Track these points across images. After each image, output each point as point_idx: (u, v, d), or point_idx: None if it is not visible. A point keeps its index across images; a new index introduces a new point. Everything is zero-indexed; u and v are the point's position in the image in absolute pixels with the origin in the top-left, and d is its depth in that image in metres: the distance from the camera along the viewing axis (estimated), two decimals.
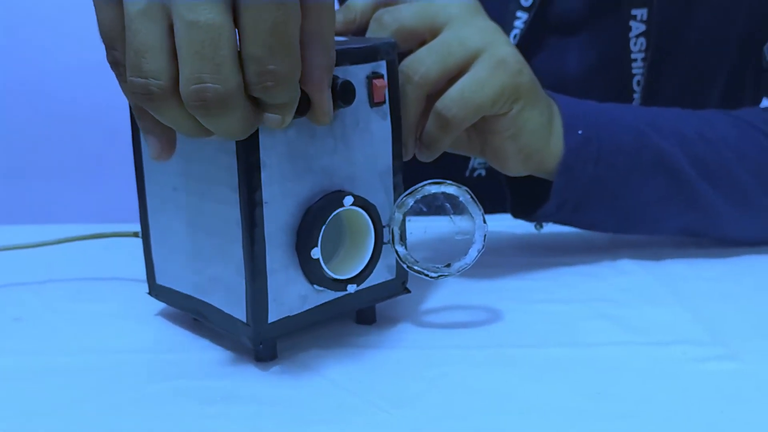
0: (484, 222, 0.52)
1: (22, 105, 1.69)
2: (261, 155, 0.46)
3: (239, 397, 0.47)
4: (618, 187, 0.63)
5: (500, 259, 0.68)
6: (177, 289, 0.54)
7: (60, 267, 0.66)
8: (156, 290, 0.56)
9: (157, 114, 0.42)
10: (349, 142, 0.50)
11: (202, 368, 0.50)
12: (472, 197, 0.52)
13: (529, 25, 0.76)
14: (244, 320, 0.49)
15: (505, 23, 0.77)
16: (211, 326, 0.53)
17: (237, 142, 0.46)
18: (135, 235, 0.61)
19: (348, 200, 0.49)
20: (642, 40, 0.75)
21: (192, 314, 0.54)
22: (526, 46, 0.77)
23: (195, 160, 0.49)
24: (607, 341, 0.53)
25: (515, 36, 0.77)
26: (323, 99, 0.44)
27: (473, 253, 0.53)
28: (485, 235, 0.52)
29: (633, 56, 0.76)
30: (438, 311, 0.58)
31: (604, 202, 0.63)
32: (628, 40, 0.76)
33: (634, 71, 0.76)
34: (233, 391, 0.47)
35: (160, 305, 0.57)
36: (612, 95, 0.77)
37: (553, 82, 0.78)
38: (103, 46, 0.44)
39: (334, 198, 0.49)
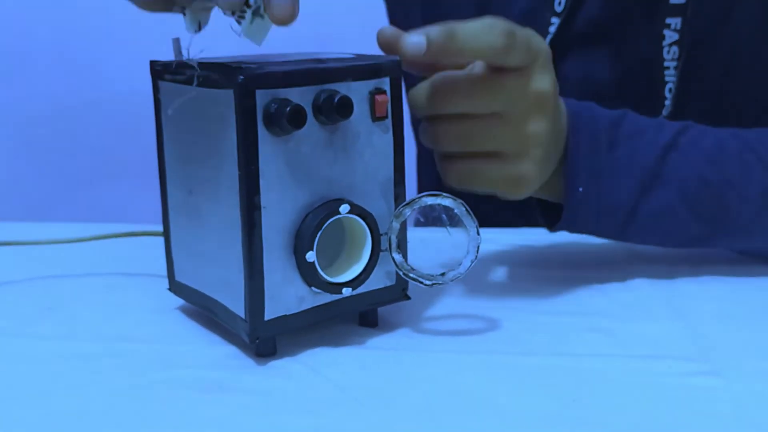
0: (478, 234, 0.55)
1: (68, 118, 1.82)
2: (260, 164, 0.50)
3: (233, 388, 0.50)
4: (617, 236, 0.67)
5: (512, 271, 0.70)
6: (191, 286, 0.58)
7: (94, 262, 0.71)
8: (175, 286, 0.60)
9: None
10: (349, 153, 0.53)
11: (205, 360, 0.54)
12: (466, 209, 0.54)
13: (561, 30, 0.78)
14: (243, 317, 0.52)
15: (540, 29, 0.79)
16: (219, 322, 0.56)
17: (239, 149, 0.50)
18: (163, 234, 0.65)
19: (344, 208, 0.53)
20: (675, 48, 0.76)
21: (203, 310, 0.58)
22: (558, 51, 0.79)
23: (205, 166, 0.53)
24: (594, 353, 0.55)
25: (549, 41, 0.79)
26: None
27: (467, 263, 0.55)
28: (478, 246, 0.55)
29: (666, 64, 0.77)
30: (439, 318, 0.61)
31: (609, 238, 0.68)
32: (661, 48, 0.77)
33: (666, 79, 0.77)
34: (228, 382, 0.51)
35: (180, 301, 0.61)
36: (644, 102, 0.78)
37: (584, 88, 0.80)
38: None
39: (332, 206, 0.52)
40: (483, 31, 0.56)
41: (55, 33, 1.77)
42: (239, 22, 0.48)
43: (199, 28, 0.51)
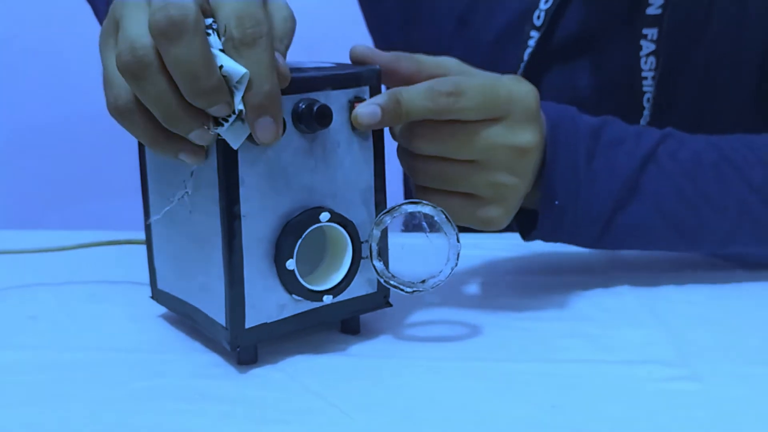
0: (458, 241, 0.55)
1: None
2: (240, 172, 0.50)
3: (215, 397, 0.50)
4: (592, 246, 0.67)
5: (493, 277, 0.70)
6: (174, 294, 0.58)
7: (77, 270, 0.71)
8: (157, 295, 0.60)
9: (143, 86, 0.46)
10: (329, 161, 0.54)
11: (188, 369, 0.54)
12: (446, 217, 0.55)
13: (541, 43, 0.79)
14: (224, 324, 0.52)
15: (520, 43, 0.80)
16: (201, 330, 0.56)
17: (219, 159, 0.50)
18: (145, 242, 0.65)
19: (324, 216, 0.53)
20: (652, 58, 0.77)
21: (185, 318, 0.58)
22: (539, 63, 0.80)
23: (186, 175, 0.53)
24: (575, 358, 0.56)
25: (529, 54, 0.79)
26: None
27: (447, 270, 0.55)
28: (458, 254, 0.55)
29: (644, 74, 0.78)
30: (421, 325, 0.61)
31: (584, 247, 0.68)
32: (638, 58, 0.77)
33: (644, 89, 0.78)
34: (211, 391, 0.51)
35: (162, 309, 0.62)
36: (623, 111, 0.79)
37: (564, 99, 0.81)
38: None
39: (312, 214, 0.53)
40: (422, 96, 0.55)
41: (45, 43, 1.77)
42: (221, 124, 0.47)
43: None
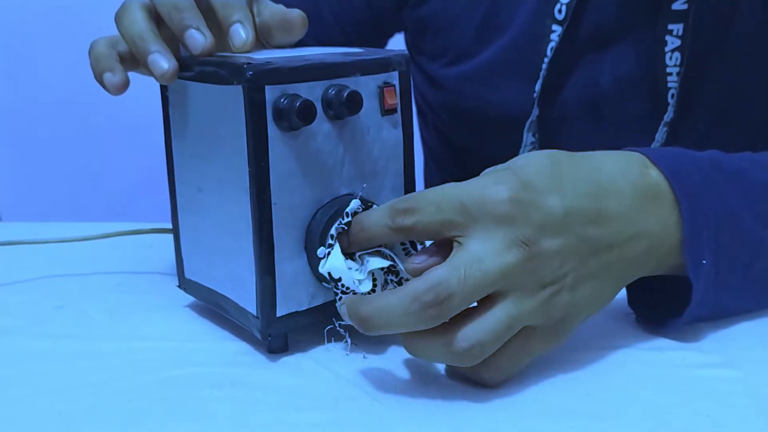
0: None
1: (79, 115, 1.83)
2: (270, 160, 0.50)
3: (246, 384, 0.50)
4: (730, 303, 0.58)
5: None
6: (202, 283, 0.58)
7: (103, 260, 0.71)
8: (185, 284, 0.60)
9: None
10: (359, 148, 0.53)
11: (218, 357, 0.54)
12: None
13: (563, 39, 0.78)
14: (255, 313, 0.52)
15: (542, 37, 0.79)
16: (230, 319, 0.56)
17: (249, 148, 0.49)
18: (171, 231, 0.65)
19: (354, 203, 0.52)
20: (677, 54, 0.76)
21: (214, 307, 0.57)
22: (561, 59, 0.79)
23: (214, 163, 0.53)
24: (608, 345, 0.55)
25: (552, 49, 0.79)
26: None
27: None
28: None
29: (668, 70, 0.77)
30: None
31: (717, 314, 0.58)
32: (663, 54, 0.77)
33: (669, 85, 0.77)
34: (242, 379, 0.51)
35: (190, 298, 0.61)
36: (646, 108, 0.78)
37: (588, 94, 0.80)
38: None
39: (342, 201, 0.52)
40: (382, 215, 0.49)
41: (59, 31, 1.77)
42: None
43: None
